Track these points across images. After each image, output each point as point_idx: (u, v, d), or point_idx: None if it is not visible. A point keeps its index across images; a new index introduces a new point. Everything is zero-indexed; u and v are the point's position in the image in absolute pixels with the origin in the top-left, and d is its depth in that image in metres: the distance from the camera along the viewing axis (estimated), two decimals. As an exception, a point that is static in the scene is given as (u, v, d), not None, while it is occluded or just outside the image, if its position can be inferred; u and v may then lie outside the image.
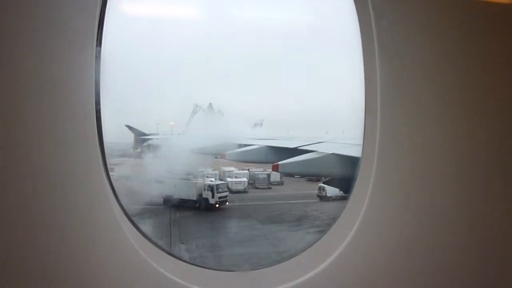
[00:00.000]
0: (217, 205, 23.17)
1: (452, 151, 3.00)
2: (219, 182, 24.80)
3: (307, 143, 17.12)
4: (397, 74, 2.96)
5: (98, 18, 2.66)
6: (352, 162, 11.76)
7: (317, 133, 22.04)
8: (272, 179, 31.06)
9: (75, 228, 2.68)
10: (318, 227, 20.55)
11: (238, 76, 27.29)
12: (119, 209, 3.03)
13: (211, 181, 24.75)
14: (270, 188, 29.96)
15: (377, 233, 3.13)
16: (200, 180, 24.38)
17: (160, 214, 20.73)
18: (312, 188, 28.01)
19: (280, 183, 31.59)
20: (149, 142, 25.24)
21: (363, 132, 3.30)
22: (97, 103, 2.75)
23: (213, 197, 23.32)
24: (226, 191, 24.37)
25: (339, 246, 3.14)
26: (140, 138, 25.18)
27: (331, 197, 26.08)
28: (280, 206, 24.54)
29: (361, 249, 3.13)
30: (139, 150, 27.20)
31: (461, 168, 3.01)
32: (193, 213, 22.15)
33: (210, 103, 25.15)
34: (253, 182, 31.01)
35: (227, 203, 23.79)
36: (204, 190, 23.57)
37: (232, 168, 30.34)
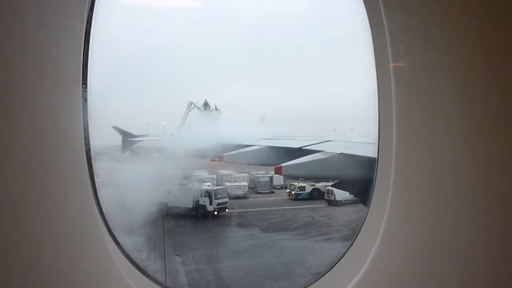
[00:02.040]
0: (215, 213, 23.11)
1: (479, 152, 2.96)
2: (217, 187, 24.86)
3: (313, 142, 17.07)
4: (412, 70, 2.97)
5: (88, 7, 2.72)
6: (363, 162, 11.71)
7: (323, 131, 22.12)
8: (275, 182, 31.04)
9: (57, 246, 2.67)
10: (327, 235, 20.55)
11: (235, 69, 27.29)
12: (104, 228, 3.05)
13: (209, 186, 24.82)
14: (273, 192, 29.91)
15: (402, 244, 3.11)
16: (196, 186, 24.44)
17: (153, 224, 20.71)
18: (318, 192, 28.13)
19: (283, 187, 31.64)
20: (139, 144, 25.23)
21: (377, 132, 3.30)
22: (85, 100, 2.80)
23: (211, 203, 23.22)
24: (225, 197, 24.31)
25: (363, 262, 3.13)
26: (128, 140, 25.16)
27: (340, 201, 26.09)
28: (284, 212, 24.56)
29: (387, 264, 3.13)
30: (127, 153, 27.20)
31: (492, 169, 2.98)
32: (189, 222, 22.16)
33: (206, 100, 25.17)
34: (254, 186, 30.95)
35: (227, 210, 23.79)
36: (201, 196, 23.50)
37: (230, 171, 30.37)
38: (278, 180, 29.79)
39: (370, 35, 3.11)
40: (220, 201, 23.57)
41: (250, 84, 27.84)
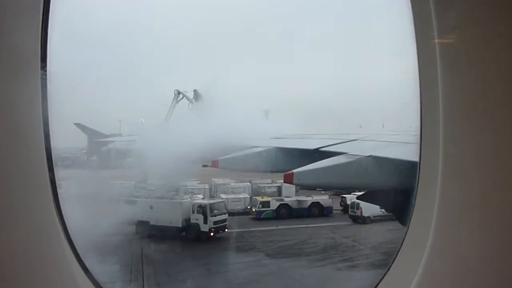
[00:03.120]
0: (211, 234, 23.14)
1: None
2: (214, 200, 24.94)
3: (333, 142, 17.00)
4: (464, 47, 2.97)
5: None
6: (399, 167, 11.66)
7: (346, 127, 22.06)
8: (285, 193, 31.08)
9: (16, 265, 2.79)
10: (352, 261, 20.47)
11: (234, 50, 27.34)
12: (70, 252, 3.16)
13: (202, 199, 24.89)
14: (282, 206, 29.97)
15: (451, 272, 3.13)
16: (186, 199, 24.54)
17: (130, 248, 20.73)
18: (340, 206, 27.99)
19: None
20: (110, 146, 25.31)
21: (419, 128, 3.30)
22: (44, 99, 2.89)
23: (205, 222, 23.25)
24: (224, 213, 24.38)
25: None
26: (97, 141, 25.14)
27: (368, 217, 26.03)
28: (296, 231, 24.59)
29: None
30: (95, 158, 27.12)
31: None
32: (177, 245, 22.19)
33: (196, 90, 25.10)
34: (257, 199, 31.07)
35: (226, 229, 23.80)
36: (193, 212, 23.62)
37: (227, 180, 30.29)
38: (289, 191, 29.79)
39: (410, 8, 3.11)
40: (218, 218, 23.64)
41: (253, 68, 27.83)
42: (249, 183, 29.42)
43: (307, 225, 25.33)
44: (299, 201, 27.51)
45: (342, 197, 27.62)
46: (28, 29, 2.76)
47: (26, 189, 2.80)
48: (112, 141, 25.83)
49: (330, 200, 27.72)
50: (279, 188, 29.68)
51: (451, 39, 2.96)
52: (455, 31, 2.97)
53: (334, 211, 27.54)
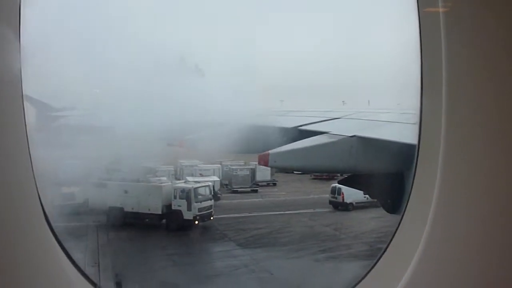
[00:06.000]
0: (196, 222, 23.09)
1: None
2: (200, 184, 24.65)
3: (314, 121, 17.05)
4: (475, 14, 3.00)
5: None
6: (386, 149, 11.71)
7: (328, 103, 22.05)
8: (259, 177, 31.21)
9: None
10: (332, 251, 20.72)
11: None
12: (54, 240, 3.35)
13: (184, 183, 24.56)
14: (255, 191, 30.18)
15: (447, 265, 3.17)
16: (166, 182, 24.29)
17: (99, 239, 20.40)
18: (321, 191, 28.21)
19: (271, 184, 31.79)
20: (61, 121, 24.75)
21: (419, 105, 3.32)
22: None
23: (189, 208, 23.25)
24: (210, 199, 24.38)
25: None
26: (46, 115, 24.55)
27: (351, 204, 26.38)
28: (271, 219, 24.77)
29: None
30: (43, 134, 26.47)
31: None
32: (158, 235, 22.07)
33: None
34: (228, 182, 31.06)
35: (212, 217, 23.78)
36: (175, 198, 23.58)
37: (195, 161, 30.13)
38: (263, 174, 29.97)
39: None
40: (203, 204, 23.69)
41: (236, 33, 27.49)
42: (219, 165, 29.39)
43: (283, 212, 25.50)
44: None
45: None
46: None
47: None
48: (65, 116, 25.18)
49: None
50: (253, 171, 29.78)
51: (454, 6, 2.99)
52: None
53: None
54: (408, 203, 3.49)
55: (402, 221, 3.55)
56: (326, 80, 26.35)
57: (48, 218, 3.29)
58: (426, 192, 3.17)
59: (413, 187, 3.42)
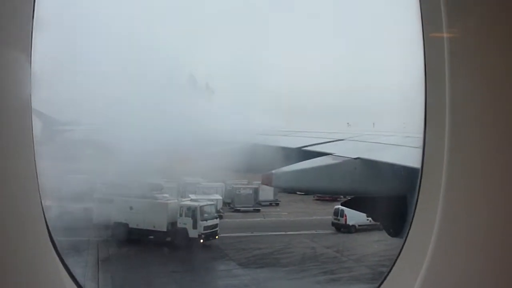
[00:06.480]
0: (201, 240, 22.87)
1: None
2: (206, 202, 24.52)
3: (318, 142, 17.05)
4: (476, 42, 3.05)
5: None
6: (389, 172, 11.72)
7: (334, 125, 22.09)
8: (262, 197, 31.11)
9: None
10: (334, 274, 20.56)
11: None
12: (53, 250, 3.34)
13: (190, 201, 24.42)
14: (257, 210, 30.05)
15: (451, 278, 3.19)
16: (172, 199, 24.13)
17: (103, 254, 20.33)
18: (324, 212, 28.06)
19: (273, 203, 31.67)
20: (67, 135, 24.83)
21: (423, 129, 3.35)
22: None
23: (195, 226, 23.08)
24: (216, 217, 24.17)
25: None
26: (51, 129, 24.62)
27: (353, 226, 26.25)
28: (273, 239, 24.67)
29: None
30: (45, 147, 26.31)
31: None
32: (162, 253, 21.77)
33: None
34: (231, 201, 30.94)
35: (217, 236, 23.52)
36: (181, 215, 23.43)
37: (198, 179, 30.02)
38: (266, 193, 29.83)
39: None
40: (209, 223, 23.46)
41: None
42: (222, 183, 29.30)
43: (285, 233, 25.33)
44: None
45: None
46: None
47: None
48: (70, 130, 25.26)
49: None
50: (255, 191, 29.66)
51: (460, 34, 3.02)
52: (468, 23, 3.04)
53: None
54: (411, 228, 3.50)
55: (405, 245, 3.55)
56: (332, 101, 26.42)
57: (50, 231, 3.31)
58: (429, 217, 3.17)
59: (416, 211, 3.43)
